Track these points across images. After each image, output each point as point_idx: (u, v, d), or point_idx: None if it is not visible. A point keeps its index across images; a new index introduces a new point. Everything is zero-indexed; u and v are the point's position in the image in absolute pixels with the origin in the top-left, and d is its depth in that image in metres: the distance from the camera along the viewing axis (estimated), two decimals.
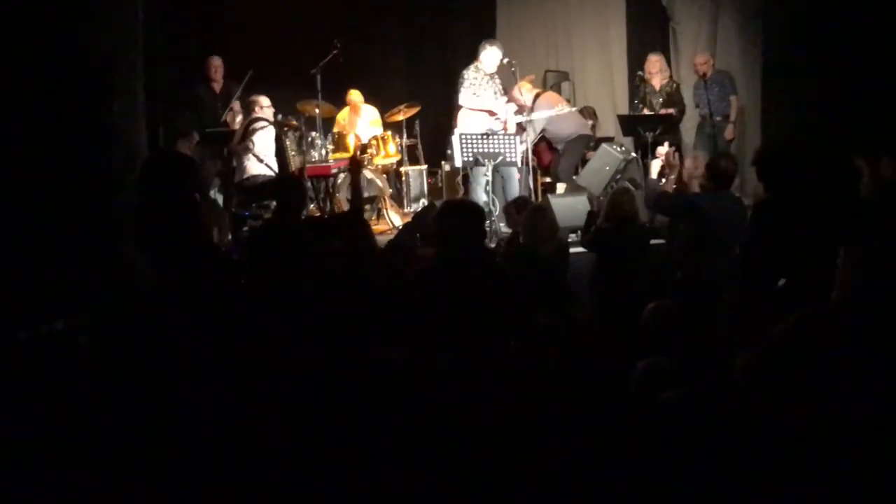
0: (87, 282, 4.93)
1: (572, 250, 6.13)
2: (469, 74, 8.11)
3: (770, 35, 8.17)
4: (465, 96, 8.11)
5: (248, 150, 7.81)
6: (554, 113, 8.46)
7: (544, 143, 8.96)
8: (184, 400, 3.20)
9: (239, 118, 8.32)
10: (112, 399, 3.21)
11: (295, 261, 4.47)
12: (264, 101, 7.97)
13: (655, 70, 8.91)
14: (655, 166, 6.07)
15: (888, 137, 6.61)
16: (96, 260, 5.30)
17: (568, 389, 3.17)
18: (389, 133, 9.27)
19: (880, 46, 6.96)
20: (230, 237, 7.69)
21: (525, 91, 8.58)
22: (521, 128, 8.43)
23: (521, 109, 8.44)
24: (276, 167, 8.01)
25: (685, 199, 5.74)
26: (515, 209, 6.18)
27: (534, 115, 8.49)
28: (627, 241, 5.51)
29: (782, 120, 7.88)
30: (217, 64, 8.61)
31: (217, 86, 8.62)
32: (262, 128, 7.92)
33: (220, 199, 8.18)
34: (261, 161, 7.80)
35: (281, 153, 8.51)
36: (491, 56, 8.10)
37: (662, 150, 6.33)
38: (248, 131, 7.85)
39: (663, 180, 6.03)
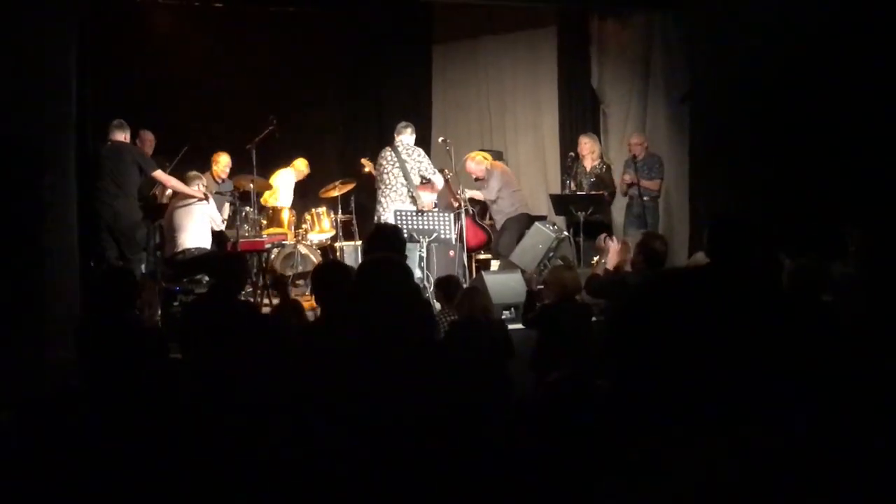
0: (7, 362, 4.77)
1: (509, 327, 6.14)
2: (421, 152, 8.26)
3: (697, 119, 8.46)
4: (434, 171, 8.27)
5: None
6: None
7: (469, 222, 9.02)
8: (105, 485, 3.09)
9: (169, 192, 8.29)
10: (33, 485, 3.09)
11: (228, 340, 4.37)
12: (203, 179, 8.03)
13: (586, 151, 9.09)
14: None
15: (809, 225, 6.90)
16: (19, 339, 5.14)
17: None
18: (324, 208, 9.28)
19: (807, 133, 7.26)
20: (159, 312, 7.54)
21: (477, 162, 8.91)
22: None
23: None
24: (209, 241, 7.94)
25: (616, 279, 5.81)
26: (441, 287, 6.12)
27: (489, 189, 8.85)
28: (571, 318, 5.52)
29: (709, 202, 8.11)
30: (150, 138, 8.58)
31: None
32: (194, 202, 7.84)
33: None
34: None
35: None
36: (412, 138, 8.30)
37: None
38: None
39: (594, 261, 6.11)
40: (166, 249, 7.82)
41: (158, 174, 7.76)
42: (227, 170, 8.92)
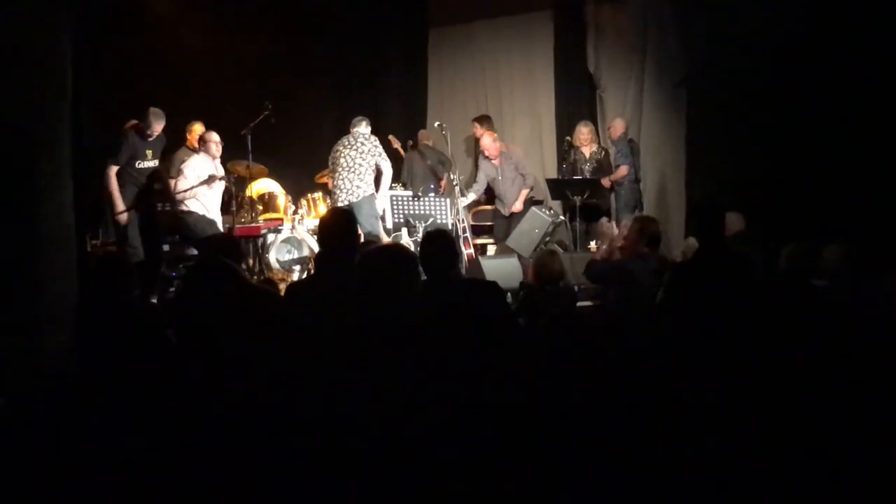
0: (4, 348, 4.77)
1: None
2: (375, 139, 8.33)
3: (693, 103, 8.45)
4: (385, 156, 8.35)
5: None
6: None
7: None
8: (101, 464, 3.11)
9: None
10: (29, 472, 3.10)
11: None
12: (215, 136, 7.82)
13: (586, 141, 9.06)
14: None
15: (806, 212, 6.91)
16: (15, 325, 5.14)
17: None
18: (320, 194, 9.27)
19: (804, 118, 7.24)
20: (156, 296, 7.55)
21: (495, 139, 8.98)
22: None
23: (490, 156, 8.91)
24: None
25: (615, 264, 5.80)
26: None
27: None
28: (553, 302, 5.53)
29: (705, 186, 8.12)
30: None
31: None
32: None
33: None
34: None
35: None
36: (368, 129, 8.37)
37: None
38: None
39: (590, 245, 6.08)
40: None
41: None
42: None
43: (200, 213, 7.62)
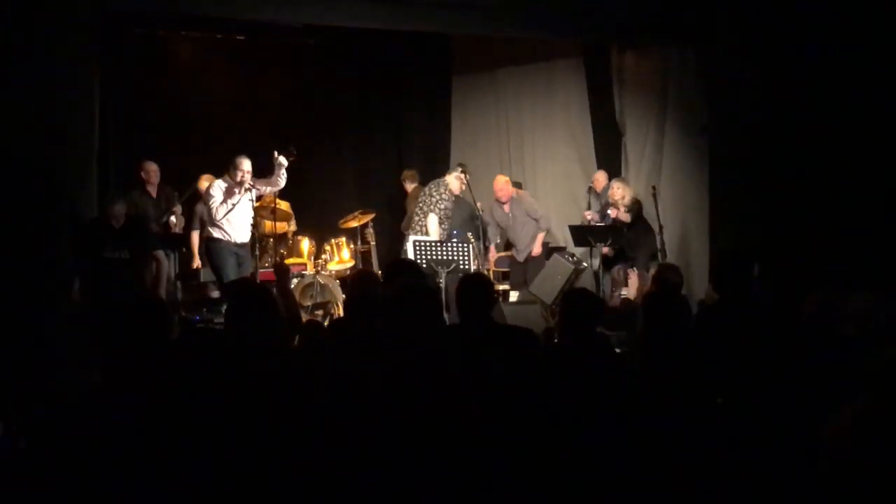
0: (25, 383, 4.78)
1: None
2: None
3: (716, 150, 8.43)
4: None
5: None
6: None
7: None
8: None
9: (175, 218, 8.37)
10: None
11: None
12: (246, 164, 7.71)
13: (618, 196, 8.78)
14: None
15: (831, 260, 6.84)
16: (36, 361, 5.16)
17: None
18: (344, 239, 9.30)
19: (826, 165, 7.22)
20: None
21: (504, 183, 9.04)
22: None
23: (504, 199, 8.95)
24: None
25: (629, 312, 5.76)
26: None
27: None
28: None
29: (729, 233, 8.07)
30: (153, 168, 8.59)
31: (153, 189, 8.63)
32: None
33: None
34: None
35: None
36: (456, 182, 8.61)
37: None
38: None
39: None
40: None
41: None
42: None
43: (224, 240, 7.66)
